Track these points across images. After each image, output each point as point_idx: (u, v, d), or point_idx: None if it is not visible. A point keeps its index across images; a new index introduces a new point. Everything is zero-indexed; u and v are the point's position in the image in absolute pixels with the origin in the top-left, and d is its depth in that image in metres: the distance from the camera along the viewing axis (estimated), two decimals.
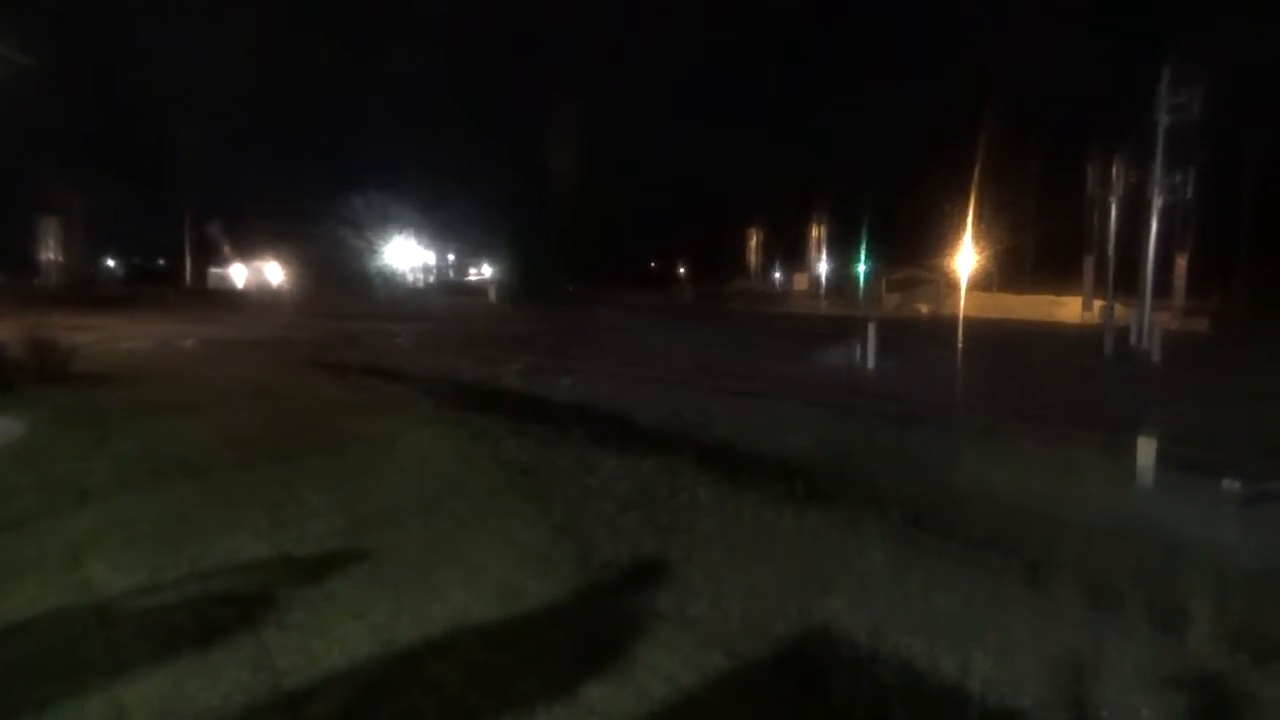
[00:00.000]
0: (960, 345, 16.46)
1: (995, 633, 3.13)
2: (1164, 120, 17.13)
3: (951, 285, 35.37)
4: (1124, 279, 19.28)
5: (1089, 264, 22.08)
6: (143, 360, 13.03)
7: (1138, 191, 18.53)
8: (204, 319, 24.46)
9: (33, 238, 47.14)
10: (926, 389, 11.19)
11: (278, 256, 54.18)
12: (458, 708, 2.66)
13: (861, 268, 43.63)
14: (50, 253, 47.14)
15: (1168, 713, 2.69)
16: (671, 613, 3.40)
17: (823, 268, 47.54)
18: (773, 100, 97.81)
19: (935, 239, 34.96)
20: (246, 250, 55.26)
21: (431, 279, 58.86)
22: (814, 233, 47.33)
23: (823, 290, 46.18)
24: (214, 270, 56.39)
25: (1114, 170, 19.51)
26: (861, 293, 42.13)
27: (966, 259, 30.81)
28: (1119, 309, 18.97)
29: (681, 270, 65.23)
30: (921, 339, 19.50)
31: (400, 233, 52.56)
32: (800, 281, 50.43)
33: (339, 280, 47.20)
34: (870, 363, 13.57)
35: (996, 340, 20.53)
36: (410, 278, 55.88)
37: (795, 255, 51.51)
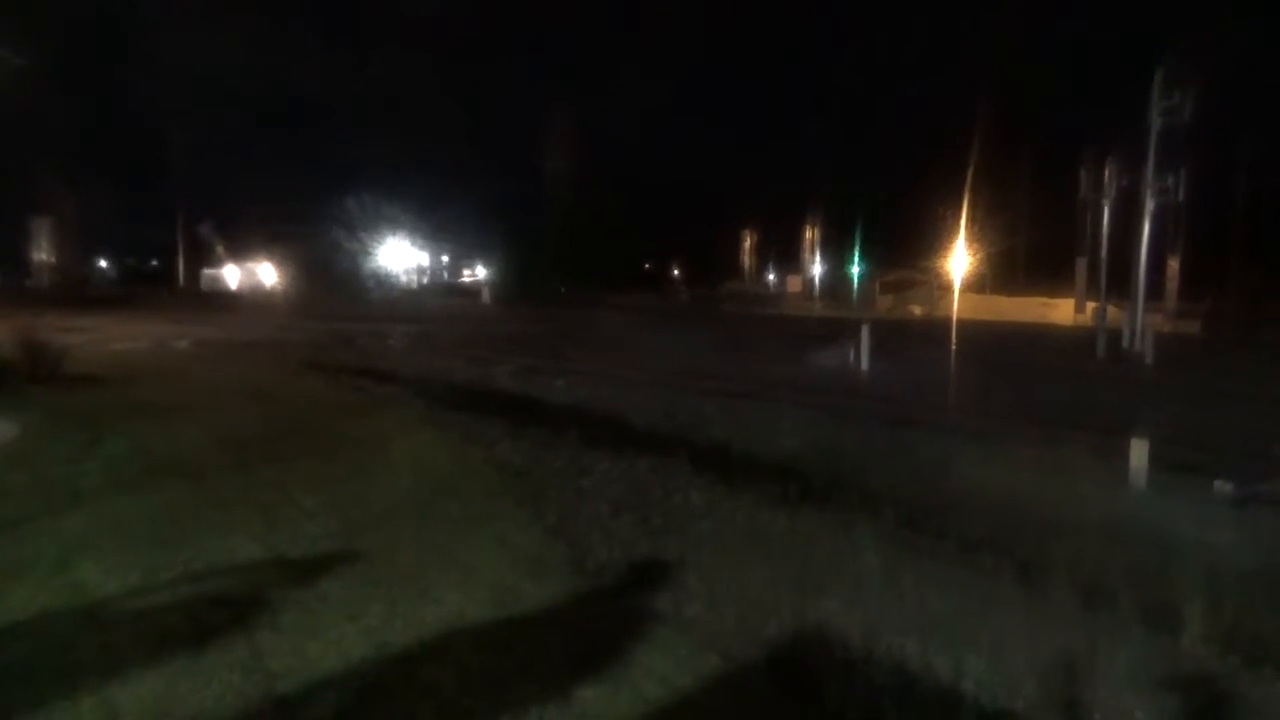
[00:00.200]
0: (953, 347, 16.47)
1: (988, 634, 3.14)
2: (1156, 123, 17.21)
3: (945, 287, 35.40)
4: (1117, 281, 19.36)
5: (1081, 266, 22.17)
6: (136, 361, 12.96)
7: (1130, 194, 18.61)
8: (197, 320, 24.37)
9: (25, 238, 47.04)
10: (920, 391, 11.22)
11: (271, 258, 53.92)
12: (452, 710, 2.65)
13: (855, 269, 43.75)
14: (43, 253, 46.99)
15: (1160, 714, 2.70)
16: (666, 614, 3.41)
17: (816, 269, 47.61)
18: (767, 103, 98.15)
19: (929, 241, 35.12)
20: (240, 251, 55.09)
21: (425, 280, 58.67)
22: (808, 235, 47.39)
23: (816, 292, 46.21)
24: (207, 271, 56.16)
25: (1106, 173, 19.61)
26: (855, 294, 42.19)
27: (960, 261, 30.87)
28: (1112, 311, 19.03)
29: (676, 272, 65.19)
30: (915, 340, 19.53)
31: (394, 234, 52.36)
32: (794, 283, 50.43)
33: (333, 281, 47.03)
34: (864, 364, 13.60)
35: (989, 342, 20.58)
36: (404, 279, 55.66)
37: (789, 257, 51.57)
